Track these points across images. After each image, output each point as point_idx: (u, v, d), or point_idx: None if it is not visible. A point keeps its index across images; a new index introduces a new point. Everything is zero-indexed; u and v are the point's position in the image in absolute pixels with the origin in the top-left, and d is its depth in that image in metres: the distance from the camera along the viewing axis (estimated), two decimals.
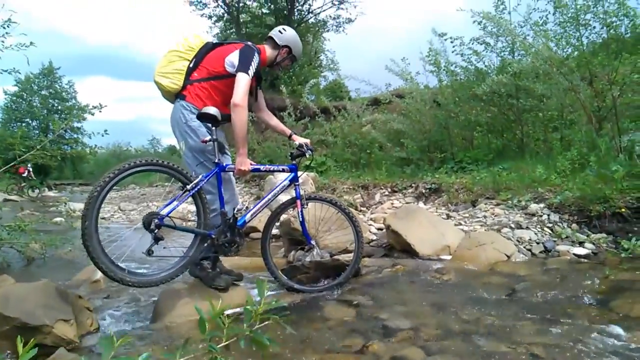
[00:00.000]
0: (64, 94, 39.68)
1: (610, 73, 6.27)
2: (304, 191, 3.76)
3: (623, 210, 4.57)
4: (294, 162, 3.75)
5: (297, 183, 3.68)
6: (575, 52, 7.15)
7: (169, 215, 3.03)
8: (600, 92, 6.62)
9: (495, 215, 5.37)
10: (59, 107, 38.77)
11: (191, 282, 3.55)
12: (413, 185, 7.68)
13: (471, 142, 9.59)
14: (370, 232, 5.70)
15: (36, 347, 1.23)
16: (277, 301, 1.62)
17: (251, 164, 3.37)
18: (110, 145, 46.47)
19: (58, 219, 8.51)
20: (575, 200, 5.01)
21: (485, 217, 5.42)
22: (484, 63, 8.47)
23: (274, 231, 7.35)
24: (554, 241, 4.55)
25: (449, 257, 4.43)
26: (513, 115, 8.33)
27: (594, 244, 4.37)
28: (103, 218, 11.34)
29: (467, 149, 9.31)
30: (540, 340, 2.46)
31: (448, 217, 5.74)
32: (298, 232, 5.14)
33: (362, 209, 7.37)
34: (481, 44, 8.25)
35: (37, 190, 22.27)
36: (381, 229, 5.70)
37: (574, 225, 4.80)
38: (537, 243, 4.56)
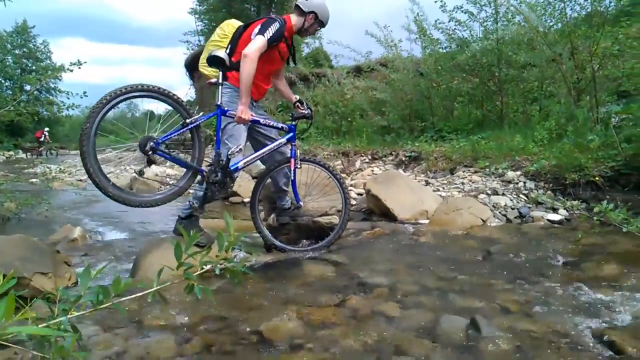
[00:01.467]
0: (38, 54, 38.44)
1: (591, 46, 6.32)
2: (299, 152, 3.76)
3: (597, 178, 4.68)
4: (294, 122, 3.77)
5: (293, 143, 3.70)
6: (559, 24, 7.18)
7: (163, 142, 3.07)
8: (581, 65, 6.69)
9: (473, 182, 5.45)
10: (33, 67, 37.60)
11: (171, 238, 3.56)
12: (393, 153, 7.73)
13: (452, 112, 9.63)
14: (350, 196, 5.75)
15: (14, 278, 1.24)
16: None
17: (252, 115, 3.37)
18: (84, 105, 45.66)
19: (34, 180, 8.37)
20: (551, 169, 5.12)
21: (462, 183, 5.50)
22: (470, 32, 8.43)
23: None
24: (529, 207, 4.66)
25: (426, 221, 4.51)
26: (494, 85, 8.36)
27: (567, 210, 4.49)
28: (80, 180, 11.20)
29: (448, 119, 9.36)
30: (512, 297, 2.55)
31: (427, 183, 5.81)
32: None
33: (342, 175, 7.40)
34: (465, 13, 8.22)
35: (54, 152, 23.74)
36: (361, 194, 5.75)
37: (549, 193, 4.91)
38: (512, 209, 4.66)
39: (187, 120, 3.12)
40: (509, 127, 7.62)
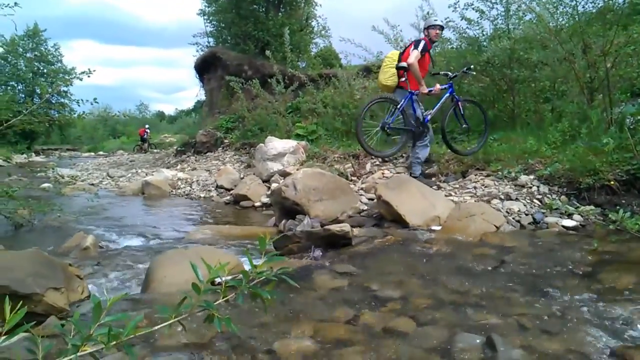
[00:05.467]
0: (49, 57, 38.59)
1: (604, 44, 6.21)
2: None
3: (612, 183, 4.60)
4: (450, 81, 6.02)
5: (454, 94, 6.06)
6: (570, 22, 7.07)
7: (392, 122, 5.55)
8: (594, 63, 6.57)
9: (485, 187, 5.38)
10: (45, 71, 37.85)
11: (182, 250, 3.56)
12: (404, 155, 7.66)
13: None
14: (361, 202, 5.70)
15: (22, 309, 1.24)
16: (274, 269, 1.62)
17: (427, 89, 5.68)
18: (96, 111, 46.12)
19: (46, 185, 8.45)
20: (565, 172, 5.04)
21: (475, 188, 5.43)
22: (482, 31, 8.36)
23: (265, 200, 7.37)
24: (543, 213, 4.59)
25: (438, 228, 4.45)
26: (505, 85, 8.27)
27: (582, 216, 4.41)
28: (92, 184, 11.27)
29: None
30: (528, 311, 2.50)
31: (438, 187, 5.74)
32: (289, 201, 5.16)
33: (352, 178, 7.36)
34: (475, 11, 8.15)
35: (156, 150, 25.67)
36: (372, 199, 5.71)
37: (563, 197, 4.83)
38: (526, 214, 4.59)
39: (398, 106, 5.47)
40: (521, 127, 7.53)
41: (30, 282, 2.66)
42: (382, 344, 2.20)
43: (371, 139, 5.66)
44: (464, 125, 6.29)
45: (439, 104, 5.98)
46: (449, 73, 6.11)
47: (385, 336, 2.29)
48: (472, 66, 5.99)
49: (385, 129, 5.47)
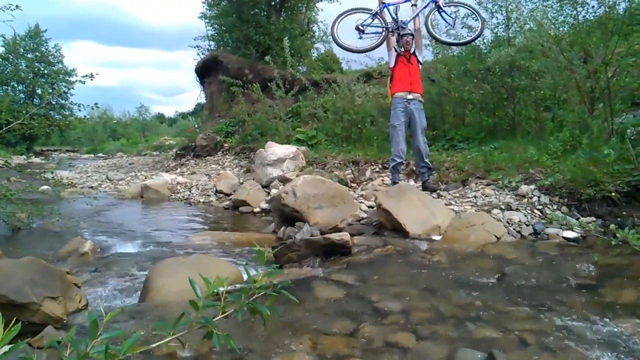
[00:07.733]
0: (50, 57, 38.51)
1: (605, 54, 6.20)
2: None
3: (613, 194, 4.58)
4: None
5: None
6: (571, 31, 7.07)
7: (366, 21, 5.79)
8: (594, 73, 6.56)
9: (486, 196, 5.36)
10: (46, 71, 37.82)
11: (181, 259, 3.54)
12: (404, 162, 7.65)
13: (463, 120, 9.52)
14: (360, 209, 5.68)
15: (18, 322, 1.22)
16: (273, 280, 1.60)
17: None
18: (96, 113, 46.23)
19: (44, 187, 8.42)
20: (566, 183, 5.01)
21: (475, 197, 5.41)
22: (482, 39, 8.37)
23: (264, 205, 7.32)
24: (544, 223, 4.57)
25: (439, 238, 4.43)
26: (505, 93, 8.28)
27: (583, 227, 4.39)
28: (91, 187, 11.24)
29: (459, 127, 9.25)
30: (529, 326, 2.48)
31: (439, 196, 5.72)
32: (289, 208, 5.14)
33: (352, 185, 7.34)
34: (476, 20, 8.16)
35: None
36: (372, 207, 5.69)
37: (564, 208, 4.81)
38: (527, 225, 4.57)
39: (372, 12, 5.79)
40: (521, 136, 7.53)
41: (27, 291, 2.64)
42: (383, 359, 2.18)
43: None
44: (448, 26, 6.38)
45: (418, 12, 6.13)
46: None
47: (386, 351, 2.27)
48: None
49: (359, 27, 5.74)
